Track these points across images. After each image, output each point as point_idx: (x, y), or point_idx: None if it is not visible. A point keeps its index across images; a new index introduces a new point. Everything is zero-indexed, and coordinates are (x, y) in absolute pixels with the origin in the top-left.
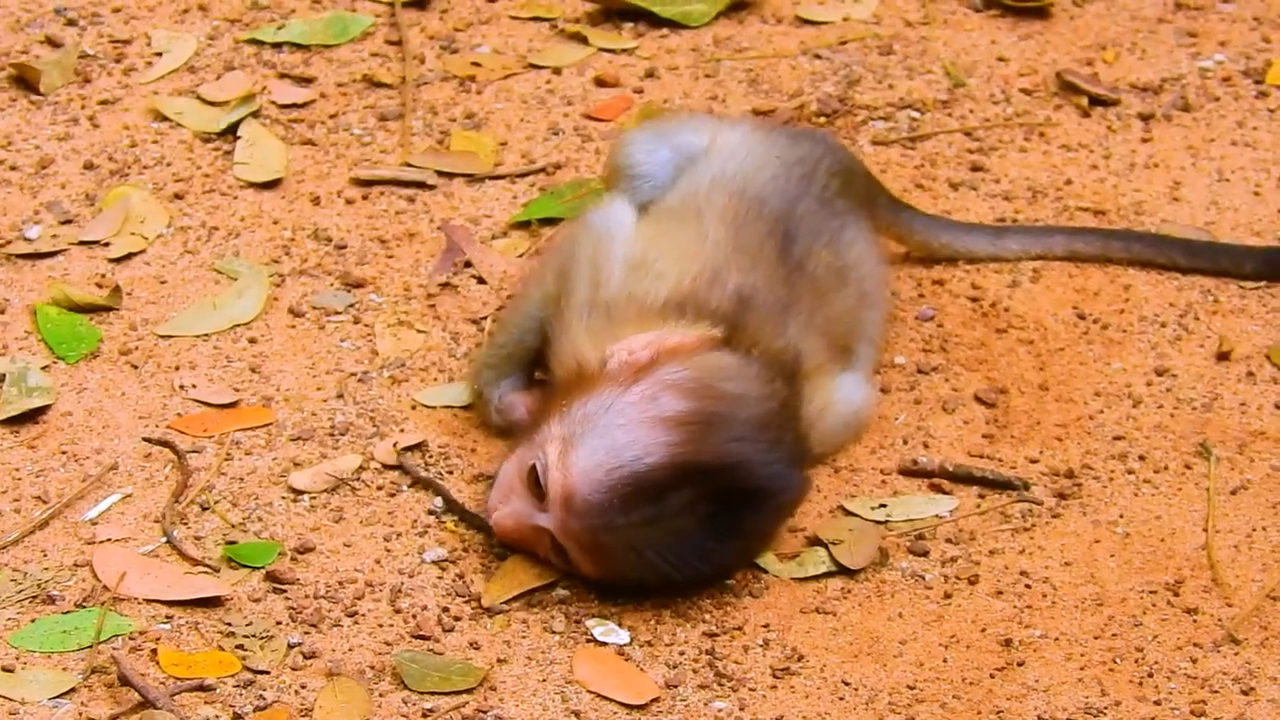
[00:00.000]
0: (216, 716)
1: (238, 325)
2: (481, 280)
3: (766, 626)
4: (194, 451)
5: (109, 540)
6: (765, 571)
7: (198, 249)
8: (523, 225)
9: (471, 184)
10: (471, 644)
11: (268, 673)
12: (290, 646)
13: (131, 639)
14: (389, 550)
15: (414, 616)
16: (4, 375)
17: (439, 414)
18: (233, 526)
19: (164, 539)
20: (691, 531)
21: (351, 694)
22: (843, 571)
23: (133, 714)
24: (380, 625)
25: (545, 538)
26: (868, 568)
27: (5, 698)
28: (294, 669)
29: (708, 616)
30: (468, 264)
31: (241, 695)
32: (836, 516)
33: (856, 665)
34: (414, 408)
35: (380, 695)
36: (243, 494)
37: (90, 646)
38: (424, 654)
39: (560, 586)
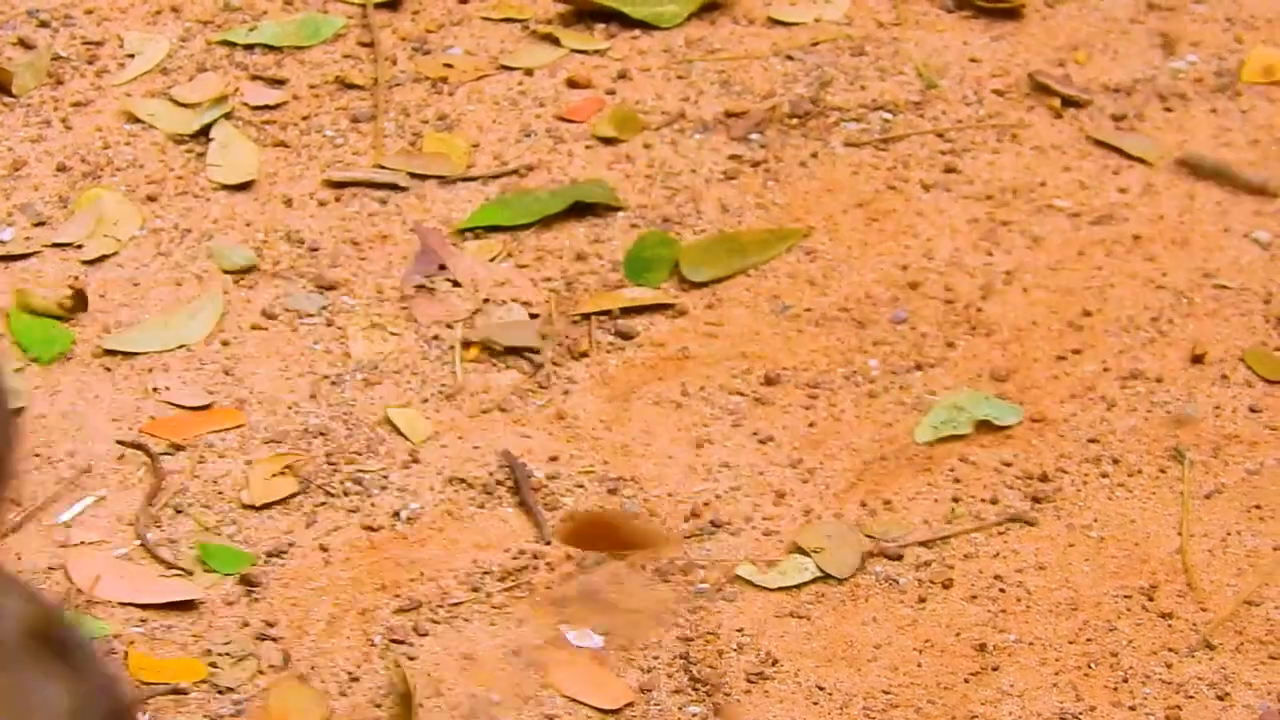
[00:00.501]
0: None
1: (210, 335)
2: (456, 283)
3: (741, 631)
4: (167, 454)
5: (83, 543)
6: (745, 581)
7: (171, 250)
8: (489, 229)
9: (444, 185)
10: (444, 647)
11: (240, 678)
12: (262, 654)
13: (106, 641)
14: None
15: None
16: None
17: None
18: (206, 530)
19: (138, 542)
20: None
21: (305, 697)
22: (827, 579)
23: None
24: (354, 629)
25: None
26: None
27: None
28: (264, 674)
29: (682, 621)
30: (442, 267)
31: (215, 700)
32: (812, 523)
33: (831, 670)
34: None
35: (346, 698)
36: (216, 497)
37: None
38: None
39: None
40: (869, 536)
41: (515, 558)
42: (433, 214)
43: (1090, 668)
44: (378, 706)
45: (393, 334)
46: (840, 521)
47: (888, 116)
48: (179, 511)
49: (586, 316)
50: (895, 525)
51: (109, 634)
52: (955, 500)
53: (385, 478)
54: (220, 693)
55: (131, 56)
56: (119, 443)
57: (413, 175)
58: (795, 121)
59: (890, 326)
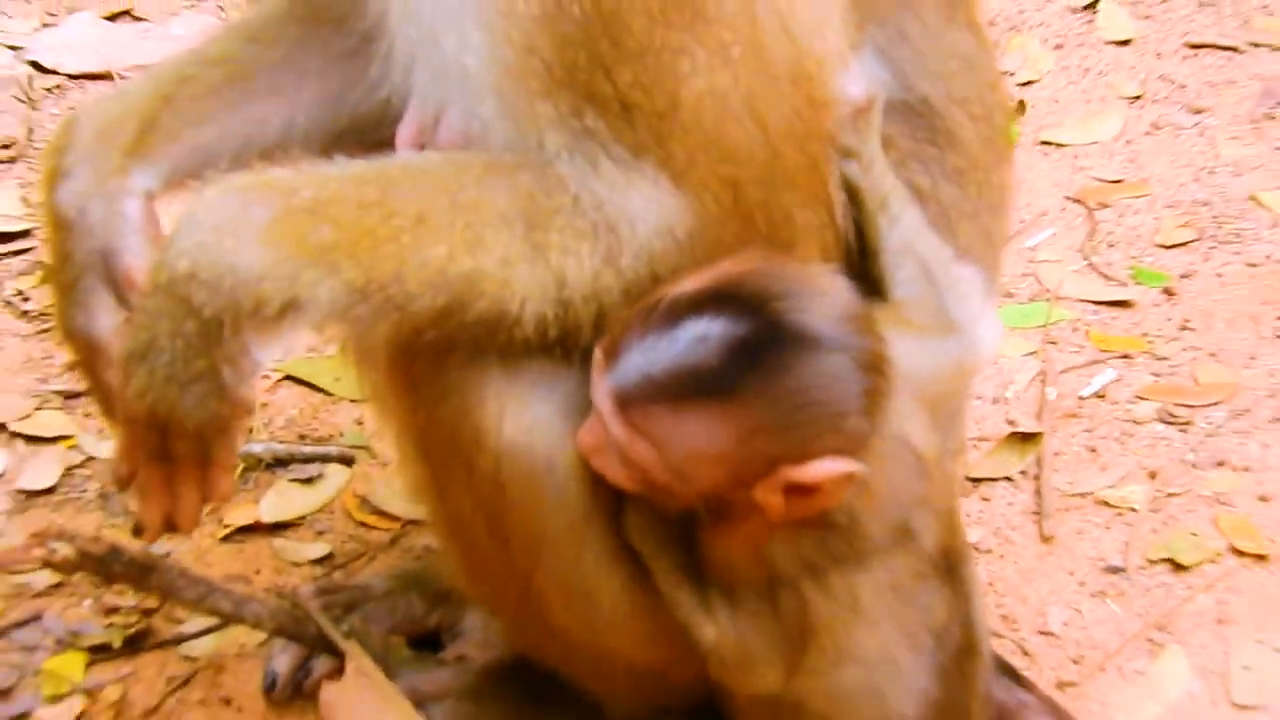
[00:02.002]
0: None
1: (1116, 135)
2: None
3: None
4: (1098, 209)
5: (1046, 260)
6: None
7: (1078, 81)
8: None
9: None
10: None
11: (1171, 352)
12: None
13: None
14: None
15: None
16: None
17: None
18: (1132, 258)
19: (1085, 261)
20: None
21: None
22: None
23: None
24: (1249, 328)
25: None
26: None
27: None
28: (1192, 350)
29: None
30: None
31: (1154, 364)
32: None
33: None
34: None
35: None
36: (1136, 238)
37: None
38: None
39: None
40: None
41: None
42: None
43: None
44: None
45: (1247, 146)
46: None
47: None
48: (1110, 246)
49: None
50: None
51: (1063, 320)
52: None
53: (1257, 234)
54: (1157, 359)
55: None
56: (1065, 198)
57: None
58: None
59: None
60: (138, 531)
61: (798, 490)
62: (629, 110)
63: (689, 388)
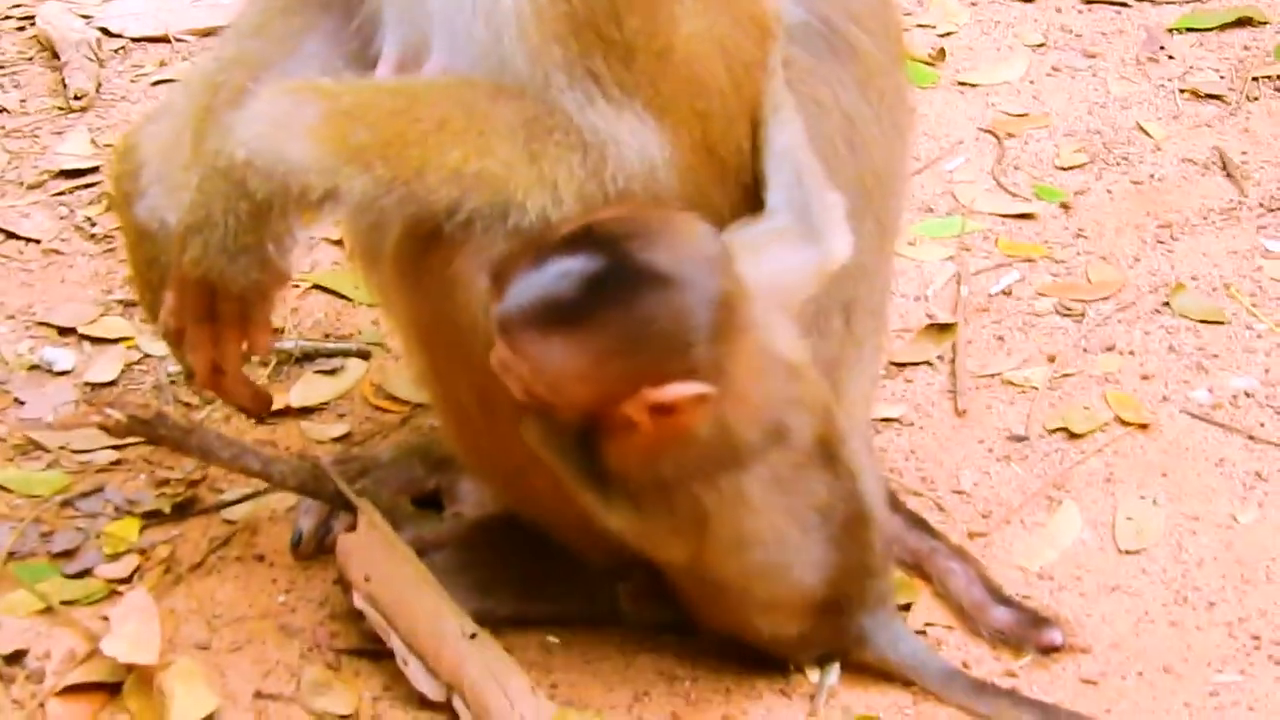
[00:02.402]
0: None
1: (1021, 76)
2: None
3: None
4: (1006, 137)
5: (960, 181)
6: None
7: (990, 32)
8: None
9: None
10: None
11: (1067, 258)
12: (1080, 248)
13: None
14: None
15: None
16: None
17: None
18: (1034, 178)
19: (994, 182)
20: None
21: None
22: None
23: None
24: (1131, 239)
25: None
26: None
27: None
28: (1083, 255)
29: None
30: None
31: (1053, 266)
32: None
33: None
34: None
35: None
36: (1038, 161)
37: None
38: None
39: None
40: None
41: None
42: None
43: None
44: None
45: (1133, 84)
46: None
47: None
48: (1017, 169)
49: None
50: None
51: (976, 230)
52: None
53: (1142, 158)
54: (1055, 263)
55: None
56: (978, 129)
57: None
58: None
59: None
60: (190, 376)
61: (660, 409)
62: (632, 53)
63: (552, 317)
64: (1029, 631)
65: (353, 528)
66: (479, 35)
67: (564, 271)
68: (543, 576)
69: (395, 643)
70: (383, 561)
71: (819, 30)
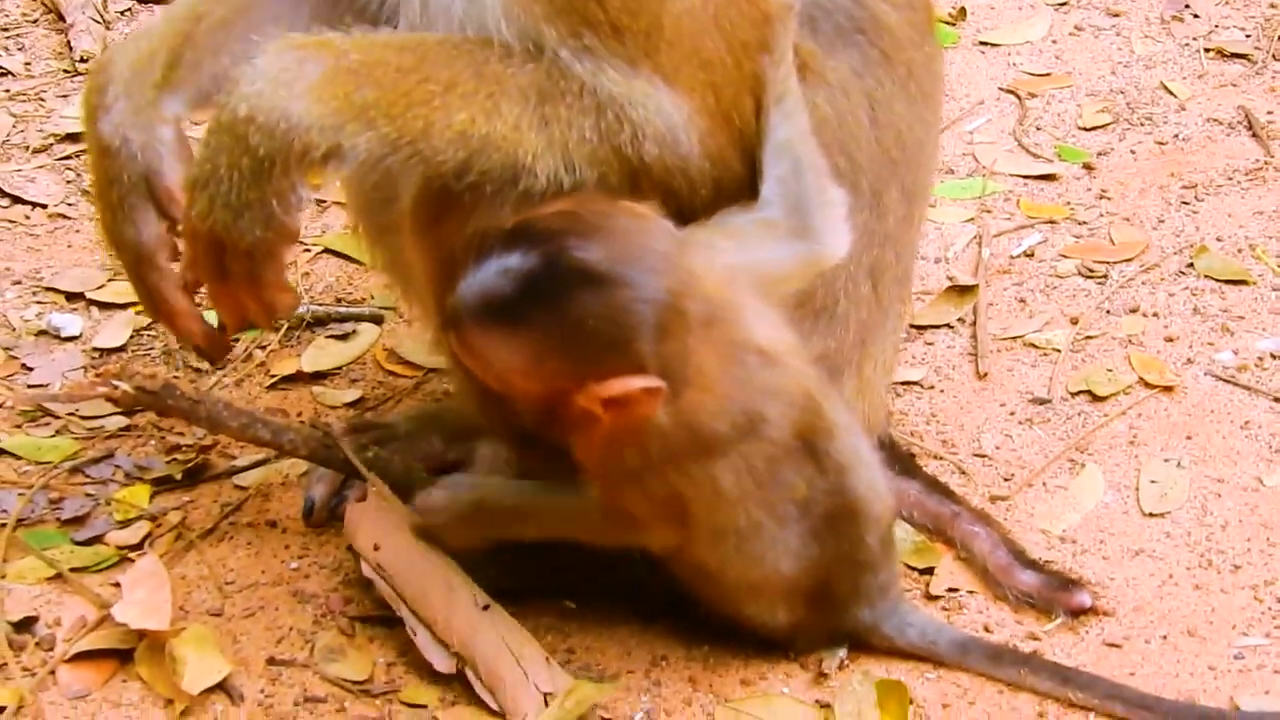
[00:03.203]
0: None
1: (1044, 36)
2: None
3: None
4: (1028, 97)
5: (979, 142)
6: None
7: None
8: None
9: None
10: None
11: (1090, 217)
12: (1102, 207)
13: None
14: None
15: None
16: None
17: None
18: (1056, 139)
19: (1015, 142)
20: None
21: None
22: None
23: None
24: (1158, 197)
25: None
26: None
27: None
28: (1107, 216)
29: None
30: None
31: (1074, 228)
32: None
33: None
34: None
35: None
36: (1060, 121)
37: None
38: None
39: None
40: None
41: None
42: None
43: None
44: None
45: (1156, 43)
46: None
47: None
48: (1038, 129)
49: None
50: None
51: (997, 192)
52: None
53: (1166, 118)
54: (1077, 224)
55: None
56: (999, 89)
57: None
58: None
59: None
60: (223, 328)
61: (612, 403)
62: (619, 31)
63: (491, 314)
64: (1057, 594)
65: (363, 497)
66: (457, 14)
67: (503, 268)
68: (558, 544)
69: (404, 613)
70: (392, 531)
71: (844, 5)
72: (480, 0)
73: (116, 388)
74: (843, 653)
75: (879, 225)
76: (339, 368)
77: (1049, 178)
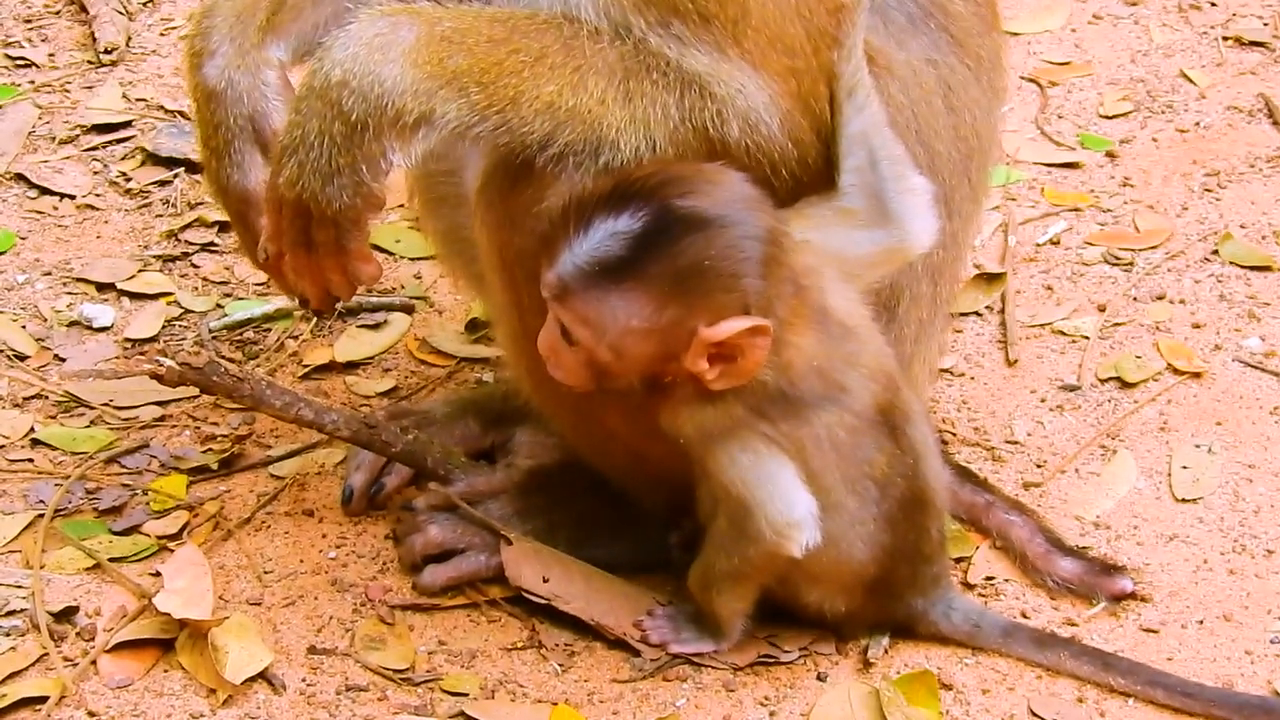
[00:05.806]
0: None
1: (1062, 25)
2: None
3: None
4: (1049, 85)
5: (1005, 131)
6: None
7: None
8: None
9: None
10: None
11: (1114, 205)
12: (1125, 194)
13: (1025, 183)
14: None
15: None
16: None
17: None
18: (1078, 128)
19: (1036, 131)
20: None
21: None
22: None
23: None
24: (1179, 185)
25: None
26: None
27: None
28: (1130, 202)
29: None
30: None
31: (1099, 215)
32: None
33: None
34: None
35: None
36: (1081, 108)
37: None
38: None
39: None
40: None
41: None
42: None
43: None
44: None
45: (1175, 32)
46: None
47: None
48: (1060, 118)
49: None
50: None
51: (1021, 180)
52: None
53: (1186, 105)
54: (1102, 211)
55: None
56: (1021, 78)
57: None
58: None
59: None
60: (304, 303)
61: (720, 355)
62: (707, 19)
63: (608, 276)
64: (1098, 580)
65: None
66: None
67: (612, 231)
68: (596, 524)
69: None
70: (552, 564)
71: None
72: None
73: (161, 364)
74: (885, 639)
75: (947, 224)
76: (371, 357)
77: (1072, 166)
